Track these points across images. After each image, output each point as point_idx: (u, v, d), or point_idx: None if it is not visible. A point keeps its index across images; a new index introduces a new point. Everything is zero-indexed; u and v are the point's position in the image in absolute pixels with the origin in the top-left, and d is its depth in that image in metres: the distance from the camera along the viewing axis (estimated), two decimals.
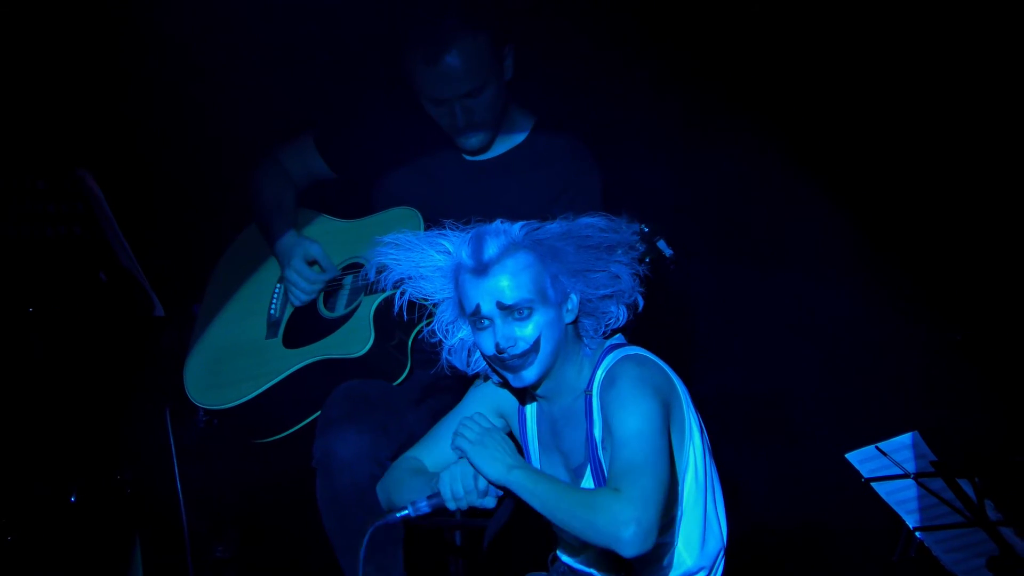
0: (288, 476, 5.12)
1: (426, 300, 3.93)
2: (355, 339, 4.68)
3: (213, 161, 5.45)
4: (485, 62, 4.70)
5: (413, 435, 4.63)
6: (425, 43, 4.68)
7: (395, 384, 4.71)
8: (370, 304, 4.69)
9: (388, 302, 4.66)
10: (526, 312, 3.78)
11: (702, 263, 5.09)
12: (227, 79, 5.34)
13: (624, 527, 3.57)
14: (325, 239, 4.91)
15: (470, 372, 3.99)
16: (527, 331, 3.79)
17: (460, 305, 3.86)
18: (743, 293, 5.28)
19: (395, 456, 4.54)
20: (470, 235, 3.85)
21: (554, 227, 3.85)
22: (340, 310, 4.81)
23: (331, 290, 4.86)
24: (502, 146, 4.84)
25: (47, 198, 4.80)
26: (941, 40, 4.96)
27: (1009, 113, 4.74)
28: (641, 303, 3.88)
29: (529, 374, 3.83)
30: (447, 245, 3.87)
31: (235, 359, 4.92)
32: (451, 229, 3.89)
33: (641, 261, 3.88)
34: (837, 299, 5.22)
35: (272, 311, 4.93)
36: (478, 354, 3.94)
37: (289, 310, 4.91)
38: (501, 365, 3.84)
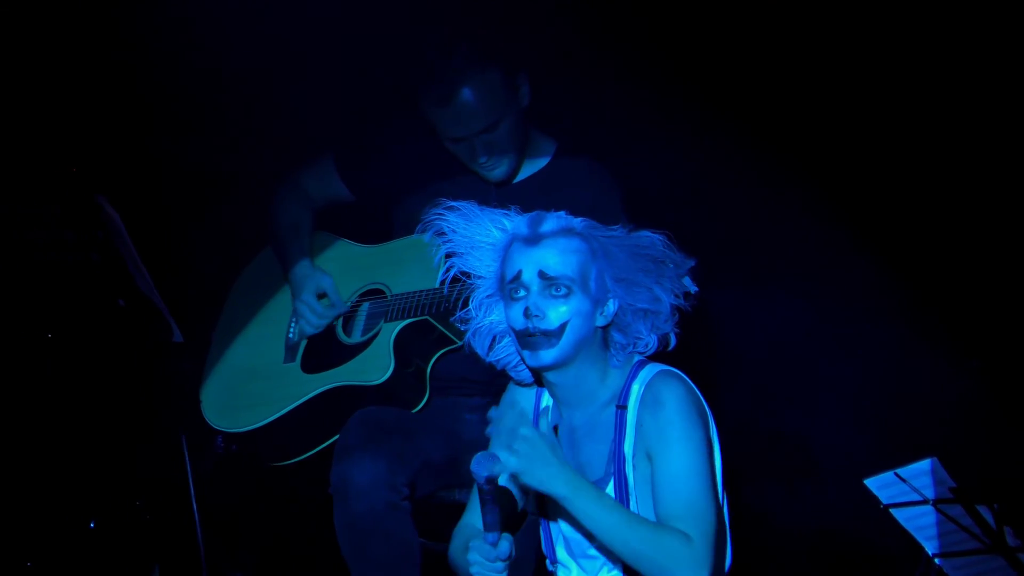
0: (306, 502, 5.13)
1: (469, 276, 3.95)
2: (375, 367, 4.68)
3: (233, 186, 5.46)
4: (499, 96, 4.69)
5: (429, 462, 4.64)
6: (436, 85, 4.67)
7: (413, 412, 4.72)
8: (390, 331, 4.69)
9: (408, 329, 4.70)
10: (564, 291, 3.80)
11: (719, 290, 5.09)
12: (247, 103, 5.36)
13: (695, 573, 3.61)
14: (344, 264, 4.92)
15: (487, 360, 3.97)
16: (559, 311, 3.79)
17: (501, 278, 3.88)
18: (757, 320, 5.27)
19: (411, 483, 4.57)
20: (533, 213, 3.90)
21: (614, 231, 3.90)
22: (358, 336, 4.82)
23: (349, 315, 4.87)
24: (525, 171, 4.84)
25: (65, 225, 4.81)
26: (962, 51, 4.96)
27: None
28: (673, 341, 3.89)
29: (547, 355, 3.81)
30: (506, 223, 3.91)
31: (253, 382, 4.93)
32: (517, 213, 3.93)
33: (686, 298, 3.89)
34: (854, 326, 5.21)
35: (290, 335, 4.94)
36: (501, 343, 3.94)
37: None
38: (523, 341, 3.83)
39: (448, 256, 3.99)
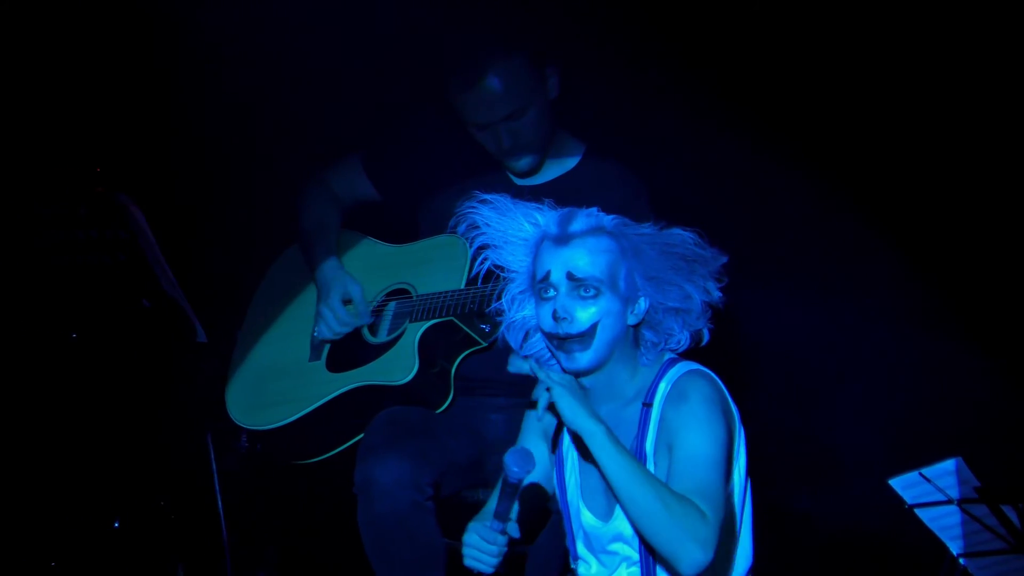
0: (330, 501, 5.13)
1: (502, 270, 3.95)
2: (399, 367, 4.69)
3: (258, 185, 5.47)
4: (524, 84, 4.70)
5: (454, 462, 4.64)
6: (462, 70, 4.69)
7: (437, 412, 4.73)
8: (415, 331, 4.69)
9: (433, 330, 4.70)
10: (592, 291, 3.79)
11: (745, 291, 5.09)
12: (273, 102, 5.37)
13: (702, 550, 3.59)
14: (369, 263, 4.92)
15: (521, 353, 3.96)
16: (588, 312, 3.79)
17: (532, 274, 3.88)
18: (782, 320, 5.27)
19: (435, 483, 4.57)
20: (564, 211, 3.89)
21: (645, 228, 3.89)
22: (383, 336, 4.82)
23: (375, 314, 4.87)
24: (553, 171, 4.85)
25: (90, 225, 4.82)
26: (987, 46, 4.94)
27: None
28: (706, 337, 3.89)
29: (583, 359, 3.81)
30: (539, 218, 3.91)
31: (278, 380, 4.93)
32: (550, 208, 3.93)
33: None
34: (878, 324, 5.21)
35: (315, 334, 4.95)
36: (534, 338, 3.94)
37: None
38: (557, 344, 3.83)
39: (482, 249, 4.00)
